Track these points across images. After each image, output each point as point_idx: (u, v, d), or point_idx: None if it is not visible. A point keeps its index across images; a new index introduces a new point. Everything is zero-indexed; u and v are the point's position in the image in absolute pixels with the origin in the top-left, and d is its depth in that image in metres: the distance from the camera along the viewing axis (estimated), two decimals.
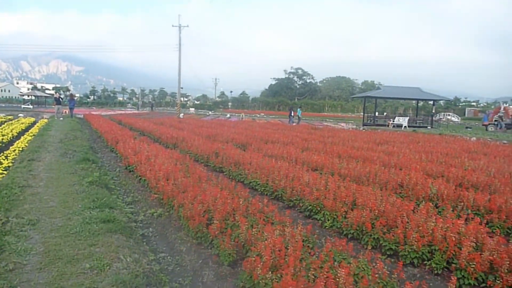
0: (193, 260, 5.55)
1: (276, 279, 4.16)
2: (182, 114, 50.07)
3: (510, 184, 8.85)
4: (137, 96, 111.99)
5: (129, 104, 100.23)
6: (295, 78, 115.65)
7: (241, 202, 6.52)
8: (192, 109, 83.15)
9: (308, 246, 5.36)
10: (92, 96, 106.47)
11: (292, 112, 42.24)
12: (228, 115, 61.13)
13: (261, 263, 4.33)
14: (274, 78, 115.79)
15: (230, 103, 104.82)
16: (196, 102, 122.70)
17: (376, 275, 4.35)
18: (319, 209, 7.22)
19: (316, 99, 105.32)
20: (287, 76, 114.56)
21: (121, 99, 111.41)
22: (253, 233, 5.32)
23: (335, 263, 4.54)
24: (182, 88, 54.99)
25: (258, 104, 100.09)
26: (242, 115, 56.53)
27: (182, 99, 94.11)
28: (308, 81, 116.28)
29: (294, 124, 36.71)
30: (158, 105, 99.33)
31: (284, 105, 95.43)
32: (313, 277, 4.16)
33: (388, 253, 5.73)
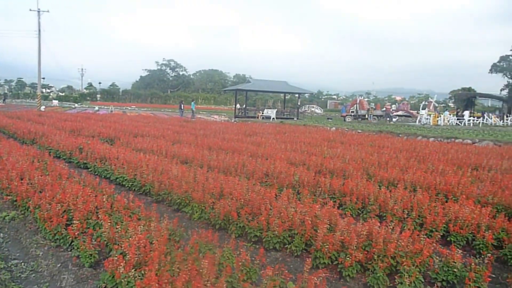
0: (51, 264, 5.16)
1: (139, 276, 4.07)
2: (43, 107, 46.06)
3: (361, 169, 9.83)
4: None
5: None
6: (168, 70, 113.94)
7: (104, 199, 6.24)
8: (55, 102, 76.74)
9: (175, 240, 5.34)
10: None
11: (182, 105, 42.18)
12: (97, 108, 57.83)
13: (124, 262, 4.20)
14: (146, 70, 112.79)
15: (98, 95, 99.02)
16: (60, 94, 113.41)
17: (240, 263, 4.51)
18: (187, 201, 7.23)
19: (190, 91, 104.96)
20: (159, 67, 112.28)
21: None
22: (116, 230, 5.13)
23: (200, 254, 4.59)
24: (43, 78, 50.55)
25: (129, 97, 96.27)
26: (112, 108, 54.01)
27: (43, 90, 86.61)
28: (181, 73, 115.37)
29: (185, 117, 36.67)
30: (16, 97, 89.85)
31: (157, 97, 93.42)
32: (177, 270, 4.15)
33: (253, 240, 5.97)
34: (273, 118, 40.33)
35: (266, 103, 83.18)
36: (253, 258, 4.93)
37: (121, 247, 4.63)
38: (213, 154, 11.41)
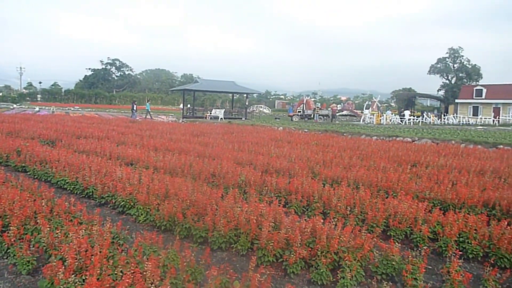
0: None
1: (79, 282, 3.95)
2: None
3: (307, 167, 10.02)
4: None
5: None
6: (113, 69, 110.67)
7: (43, 204, 5.99)
8: None
9: (118, 243, 5.23)
10: None
11: (135, 105, 41.01)
12: (37, 109, 55.22)
13: (64, 267, 4.06)
14: (90, 69, 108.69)
15: (39, 95, 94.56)
16: None
17: (185, 263, 4.48)
18: (132, 204, 7.09)
19: (136, 91, 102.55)
20: (104, 67, 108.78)
21: None
22: (56, 235, 4.95)
23: (145, 257, 4.52)
24: None
25: (72, 97, 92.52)
26: (53, 109, 51.87)
27: None
28: (126, 72, 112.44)
29: (138, 118, 35.74)
30: None
31: (102, 97, 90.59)
32: (120, 274, 4.07)
33: (199, 241, 5.93)
34: (221, 118, 40.24)
35: (215, 103, 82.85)
36: (199, 259, 4.91)
37: (61, 252, 4.47)
38: (159, 155, 11.25)
